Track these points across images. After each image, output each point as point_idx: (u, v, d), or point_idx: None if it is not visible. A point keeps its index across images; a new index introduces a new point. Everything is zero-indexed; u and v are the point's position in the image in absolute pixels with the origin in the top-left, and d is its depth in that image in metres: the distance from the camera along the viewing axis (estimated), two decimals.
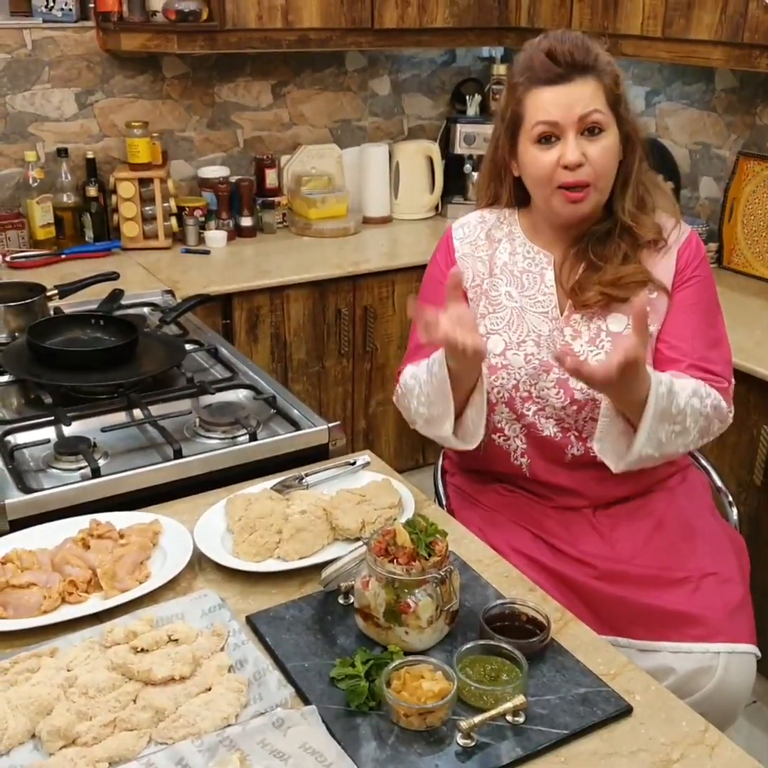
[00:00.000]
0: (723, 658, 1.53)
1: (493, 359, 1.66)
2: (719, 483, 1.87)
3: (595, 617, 1.52)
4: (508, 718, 1.12)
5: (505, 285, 1.69)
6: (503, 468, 1.70)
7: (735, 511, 1.87)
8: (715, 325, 1.67)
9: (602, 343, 1.62)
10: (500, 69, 3.64)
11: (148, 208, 3.07)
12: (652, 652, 1.56)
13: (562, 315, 1.65)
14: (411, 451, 3.40)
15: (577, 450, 1.65)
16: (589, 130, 1.54)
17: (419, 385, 1.64)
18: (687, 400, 1.52)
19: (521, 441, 1.69)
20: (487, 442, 1.70)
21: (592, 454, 1.61)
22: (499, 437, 1.70)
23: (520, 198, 1.71)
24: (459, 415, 1.61)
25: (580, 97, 1.52)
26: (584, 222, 1.63)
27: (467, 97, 3.70)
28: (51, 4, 2.96)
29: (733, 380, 1.67)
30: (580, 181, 1.53)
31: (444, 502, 1.84)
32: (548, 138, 1.54)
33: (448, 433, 1.61)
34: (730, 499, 1.87)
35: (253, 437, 1.77)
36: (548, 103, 1.53)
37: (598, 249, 1.62)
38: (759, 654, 1.58)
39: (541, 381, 1.64)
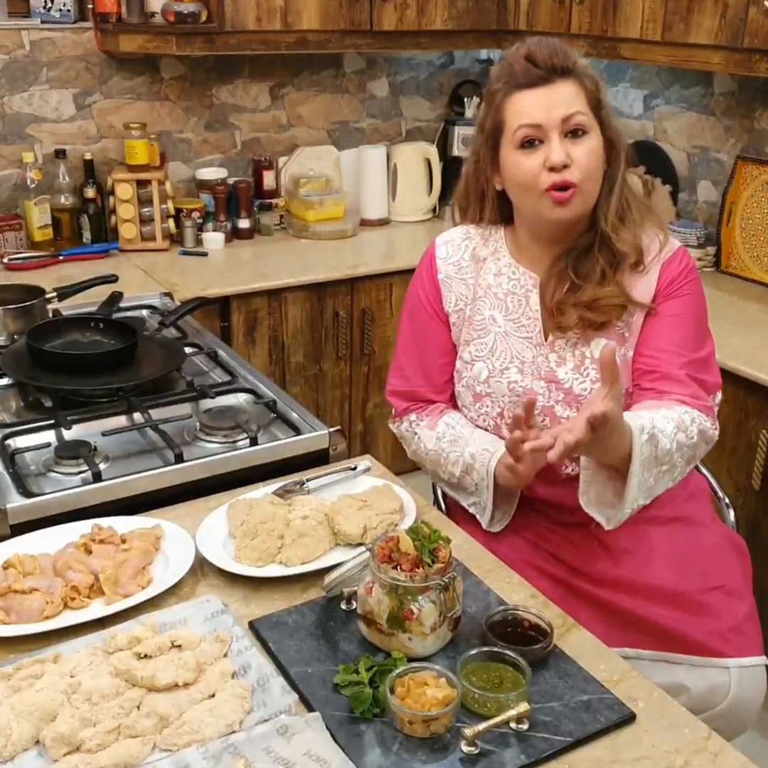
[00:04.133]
0: (735, 673, 1.53)
1: (477, 387, 1.65)
2: (717, 488, 1.88)
3: (602, 627, 1.52)
4: (512, 725, 1.12)
5: (489, 308, 1.66)
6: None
7: (732, 513, 1.87)
8: (704, 340, 1.62)
9: (587, 370, 1.59)
10: None
11: (145, 209, 3.07)
12: (664, 668, 1.55)
13: (546, 340, 1.62)
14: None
15: (572, 470, 1.62)
16: (573, 132, 1.50)
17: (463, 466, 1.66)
18: (672, 438, 1.47)
19: None
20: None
21: None
22: None
23: (504, 214, 1.67)
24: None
25: (562, 98, 1.49)
26: (569, 234, 1.59)
27: (465, 100, 3.72)
28: (49, 4, 2.95)
29: (720, 395, 1.64)
30: (566, 181, 1.49)
31: (444, 511, 1.83)
32: (531, 142, 1.51)
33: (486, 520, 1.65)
34: (727, 501, 1.88)
35: (253, 442, 1.77)
36: (530, 106, 1.50)
37: (578, 266, 1.58)
38: None
39: None
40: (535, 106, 1.50)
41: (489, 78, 1.59)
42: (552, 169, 1.49)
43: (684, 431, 1.49)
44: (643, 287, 1.59)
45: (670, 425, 1.48)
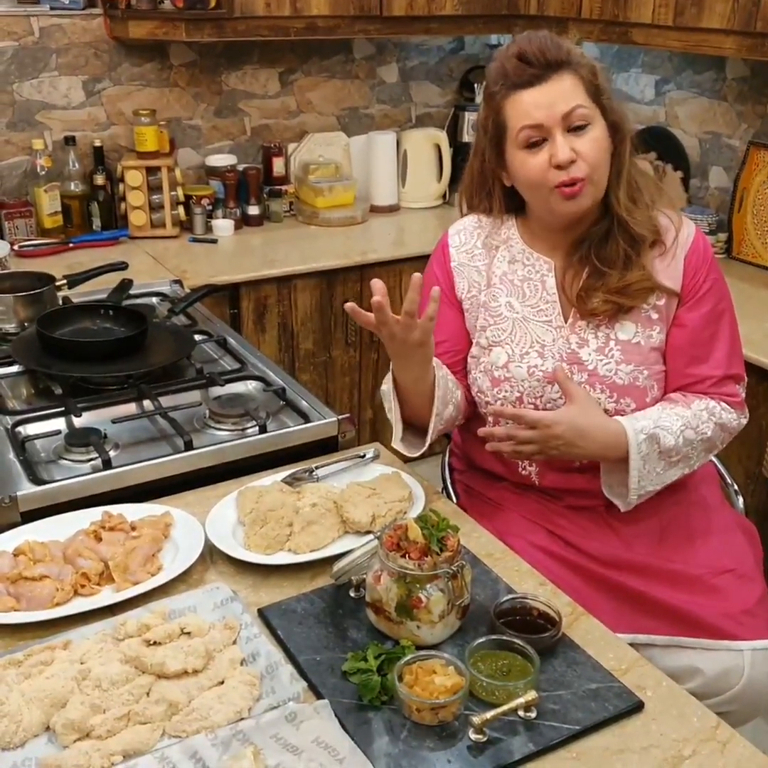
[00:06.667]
0: (748, 656, 1.53)
1: (496, 372, 1.64)
2: (726, 475, 1.88)
3: (615, 612, 1.52)
4: (520, 713, 1.12)
5: (505, 295, 1.66)
6: (512, 477, 1.68)
7: (741, 499, 1.87)
8: (732, 332, 1.65)
9: (611, 352, 1.59)
10: None
11: (155, 196, 3.07)
12: (677, 652, 1.56)
13: (566, 323, 1.63)
14: None
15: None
16: (576, 126, 1.49)
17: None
18: (678, 435, 1.55)
19: None
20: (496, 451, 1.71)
21: None
22: None
23: (513, 206, 1.67)
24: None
25: (559, 94, 1.48)
26: (582, 222, 1.59)
27: (475, 85, 3.70)
28: None
29: (746, 377, 1.68)
30: (574, 178, 1.49)
31: (454, 499, 1.83)
32: (536, 142, 1.50)
33: (397, 437, 1.65)
34: (736, 487, 1.88)
35: (263, 429, 1.77)
36: (529, 106, 1.49)
37: (600, 252, 1.58)
38: None
39: (546, 393, 1.61)
40: (534, 105, 1.49)
41: (486, 78, 1.58)
42: (558, 167, 1.49)
43: (693, 428, 1.58)
44: (670, 273, 1.59)
45: (678, 423, 1.56)
